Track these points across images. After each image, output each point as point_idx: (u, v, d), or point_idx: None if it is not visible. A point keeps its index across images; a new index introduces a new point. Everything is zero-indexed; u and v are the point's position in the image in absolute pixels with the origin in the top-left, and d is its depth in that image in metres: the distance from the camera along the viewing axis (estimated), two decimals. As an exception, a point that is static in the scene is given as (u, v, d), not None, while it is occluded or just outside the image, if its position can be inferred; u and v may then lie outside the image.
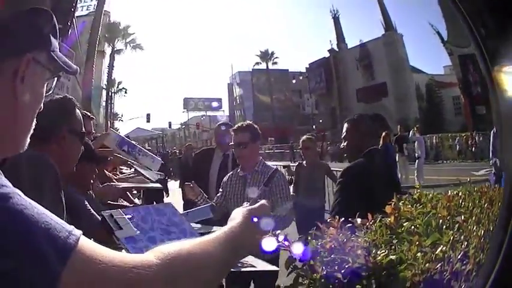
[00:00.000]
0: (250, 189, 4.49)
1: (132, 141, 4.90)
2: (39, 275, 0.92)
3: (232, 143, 4.87)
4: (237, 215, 1.46)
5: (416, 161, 19.34)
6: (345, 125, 4.39)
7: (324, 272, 1.29)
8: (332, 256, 1.31)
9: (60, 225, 1.01)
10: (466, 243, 1.29)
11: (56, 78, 1.49)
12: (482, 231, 1.33)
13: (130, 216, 1.86)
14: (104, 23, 46.71)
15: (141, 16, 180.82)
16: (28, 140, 1.37)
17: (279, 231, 1.44)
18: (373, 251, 1.28)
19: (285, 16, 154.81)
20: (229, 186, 4.87)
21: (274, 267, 2.72)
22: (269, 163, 5.73)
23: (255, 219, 1.44)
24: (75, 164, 2.78)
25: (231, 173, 5.08)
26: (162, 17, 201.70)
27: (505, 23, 1.11)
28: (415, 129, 20.25)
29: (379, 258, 1.24)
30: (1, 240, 0.91)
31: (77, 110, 2.85)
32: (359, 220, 1.58)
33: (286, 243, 1.40)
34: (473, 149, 33.02)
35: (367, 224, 1.52)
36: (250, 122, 5.02)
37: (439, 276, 1.19)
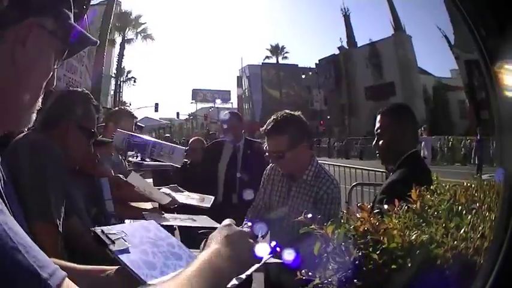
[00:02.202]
0: (296, 206, 3.46)
1: (143, 137, 4.20)
2: None
3: (265, 143, 3.72)
4: (215, 242, 1.37)
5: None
6: (380, 118, 3.40)
7: (360, 253, 1.32)
8: (368, 238, 1.34)
9: (47, 263, 0.93)
10: (482, 225, 1.37)
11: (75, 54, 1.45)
12: (494, 216, 1.38)
13: (120, 232, 1.83)
14: (115, 12, 46.69)
15: (152, 6, 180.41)
16: (33, 117, 1.29)
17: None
18: (407, 232, 1.35)
19: (296, 12, 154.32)
20: (270, 184, 3.75)
21: None
22: None
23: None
24: (77, 159, 2.76)
25: (271, 165, 3.81)
26: (174, 8, 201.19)
27: (505, 23, 1.11)
28: (423, 129, 19.91)
29: (413, 237, 1.31)
30: None
31: (91, 107, 2.79)
32: (386, 206, 1.61)
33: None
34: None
35: (395, 209, 1.59)
36: (289, 115, 3.54)
37: (465, 252, 1.27)
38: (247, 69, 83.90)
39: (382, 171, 9.52)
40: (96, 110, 2.85)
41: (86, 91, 2.93)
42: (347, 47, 71.81)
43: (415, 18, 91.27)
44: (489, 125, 22.15)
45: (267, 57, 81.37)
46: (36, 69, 1.25)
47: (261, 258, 1.45)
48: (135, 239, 1.82)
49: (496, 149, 1.37)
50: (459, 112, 57.33)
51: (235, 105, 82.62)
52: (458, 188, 1.81)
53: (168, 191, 3.86)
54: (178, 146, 4.07)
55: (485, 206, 1.54)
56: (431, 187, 1.93)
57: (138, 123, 6.22)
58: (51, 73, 1.32)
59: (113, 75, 62.83)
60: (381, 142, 3.38)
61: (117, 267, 1.66)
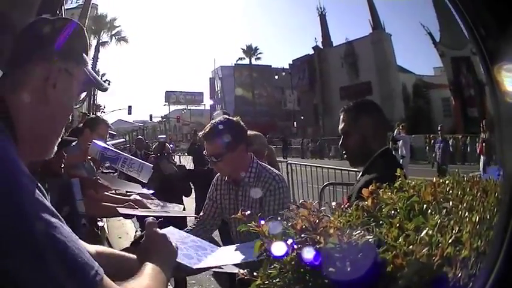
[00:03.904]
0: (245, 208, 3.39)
1: (115, 150, 4.45)
2: None
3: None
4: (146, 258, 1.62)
5: (401, 160, 17.28)
6: (344, 115, 3.18)
7: (294, 254, 1.23)
8: (302, 236, 1.24)
9: (91, 262, 1.20)
10: (457, 228, 1.18)
11: (85, 92, 1.73)
12: (477, 218, 1.22)
13: None
14: (91, 16, 46.85)
15: (127, 9, 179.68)
16: (55, 148, 1.52)
17: None
18: (347, 231, 1.16)
19: (270, 12, 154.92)
20: (220, 196, 3.76)
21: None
22: None
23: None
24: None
25: (217, 176, 3.86)
26: (147, 10, 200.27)
27: (505, 23, 1.11)
28: (401, 127, 19.55)
29: (354, 238, 1.12)
30: (43, 263, 1.09)
31: None
32: (334, 203, 1.49)
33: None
34: (464, 151, 33.33)
35: (342, 206, 1.40)
36: (225, 119, 3.59)
37: (427, 260, 1.06)
38: (219, 70, 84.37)
39: (355, 171, 9.35)
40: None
41: None
42: (322, 47, 71.98)
43: (397, 17, 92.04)
44: (477, 123, 22.29)
45: (240, 58, 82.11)
46: (64, 108, 1.49)
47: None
48: None
49: (497, 149, 1.26)
50: (443, 110, 57.52)
51: (208, 107, 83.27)
52: (423, 185, 1.59)
53: (138, 197, 4.28)
54: (146, 163, 4.33)
55: (464, 205, 1.35)
56: (395, 184, 1.71)
57: (111, 132, 6.32)
58: (72, 112, 1.60)
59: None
60: (348, 142, 3.15)
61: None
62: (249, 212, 1.60)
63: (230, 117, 3.68)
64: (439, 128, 20.80)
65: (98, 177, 4.40)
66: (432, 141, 31.02)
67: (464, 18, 1.24)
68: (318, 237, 1.19)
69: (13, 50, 1.45)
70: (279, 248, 1.28)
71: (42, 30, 1.44)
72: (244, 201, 3.54)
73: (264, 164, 3.71)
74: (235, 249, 2.68)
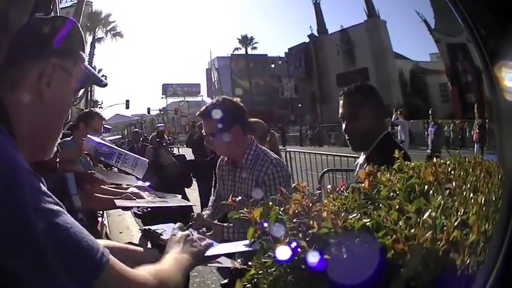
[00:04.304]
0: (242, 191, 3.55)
1: (110, 145, 4.28)
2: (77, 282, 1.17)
3: None
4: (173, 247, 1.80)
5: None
6: (344, 100, 3.15)
7: (287, 240, 1.19)
8: (295, 221, 1.17)
9: (96, 245, 1.23)
10: (462, 210, 1.11)
11: (83, 89, 1.71)
12: (482, 199, 1.16)
13: (159, 229, 2.27)
14: (85, 13, 46.96)
15: (121, 3, 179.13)
16: (55, 148, 1.54)
17: None
18: (342, 215, 1.07)
19: (264, 1, 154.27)
20: (221, 177, 3.88)
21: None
22: None
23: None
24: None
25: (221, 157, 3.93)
26: (142, 3, 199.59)
27: (505, 23, 1.10)
28: (399, 112, 19.44)
29: (350, 221, 1.04)
30: (47, 250, 1.12)
31: None
32: (329, 186, 1.43)
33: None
34: (462, 136, 33.21)
35: (338, 189, 1.32)
36: (222, 99, 3.66)
37: (432, 245, 0.99)
38: (216, 61, 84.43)
39: (354, 157, 9.34)
40: None
41: None
42: (317, 35, 71.73)
43: (391, 4, 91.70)
44: (476, 108, 22.21)
45: (236, 48, 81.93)
46: (60, 106, 1.49)
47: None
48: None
49: (496, 146, 1.21)
50: (440, 96, 57.41)
51: (205, 98, 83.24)
52: (424, 165, 1.52)
53: (135, 189, 4.21)
54: (141, 158, 4.12)
55: (468, 186, 1.29)
56: (394, 166, 1.63)
57: (105, 125, 6.26)
58: (70, 109, 1.58)
59: (84, 74, 63.31)
60: (349, 127, 3.11)
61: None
62: (240, 198, 1.61)
63: (228, 98, 3.68)
64: (430, 112, 20.38)
65: (93, 171, 4.35)
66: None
67: (464, 18, 1.23)
68: (311, 222, 1.12)
69: (10, 49, 1.45)
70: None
71: (39, 29, 1.45)
72: (241, 183, 3.58)
73: (264, 148, 3.71)
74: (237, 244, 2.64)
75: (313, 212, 1.14)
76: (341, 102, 3.15)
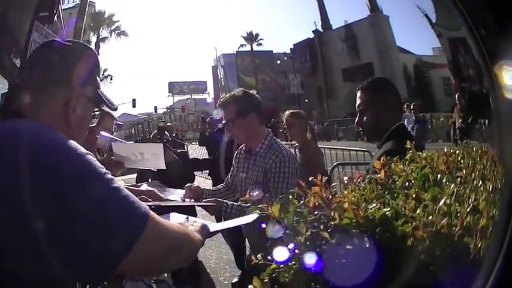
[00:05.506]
0: (251, 180, 3.78)
1: (122, 141, 4.59)
2: (126, 233, 1.34)
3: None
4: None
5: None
6: (360, 93, 3.28)
7: (308, 233, 1.19)
8: (316, 213, 1.19)
9: (142, 204, 1.42)
10: (473, 196, 1.15)
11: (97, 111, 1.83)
12: (490, 186, 1.19)
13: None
14: (89, 13, 47.00)
15: (125, 2, 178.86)
16: None
17: None
18: (363, 205, 1.11)
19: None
20: (236, 164, 4.08)
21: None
22: None
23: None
24: None
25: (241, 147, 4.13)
26: (146, 2, 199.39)
27: (505, 23, 1.09)
28: (412, 107, 19.43)
29: (371, 211, 1.07)
30: (104, 210, 1.32)
31: None
32: (346, 178, 1.45)
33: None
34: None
35: (355, 180, 1.35)
36: (240, 90, 3.91)
37: (447, 231, 1.03)
38: (221, 58, 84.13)
39: (363, 151, 9.73)
40: None
41: None
42: (322, 30, 71.53)
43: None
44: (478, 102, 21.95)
45: (242, 45, 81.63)
46: (83, 127, 1.69)
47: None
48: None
49: (496, 147, 1.23)
50: (443, 89, 57.17)
51: (212, 96, 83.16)
52: (436, 155, 1.56)
53: (148, 187, 4.01)
54: (155, 144, 4.43)
55: (477, 173, 1.33)
56: (407, 156, 1.67)
57: (117, 122, 6.24)
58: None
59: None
60: (364, 118, 3.24)
61: None
62: (257, 192, 1.75)
63: (246, 90, 3.93)
64: (411, 106, 19.66)
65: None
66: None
67: (464, 18, 1.23)
68: (333, 213, 1.15)
69: (32, 71, 1.64)
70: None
71: (64, 56, 1.63)
72: (252, 169, 3.79)
73: (278, 140, 3.92)
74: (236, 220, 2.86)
75: (334, 204, 1.17)
76: (358, 95, 3.29)
